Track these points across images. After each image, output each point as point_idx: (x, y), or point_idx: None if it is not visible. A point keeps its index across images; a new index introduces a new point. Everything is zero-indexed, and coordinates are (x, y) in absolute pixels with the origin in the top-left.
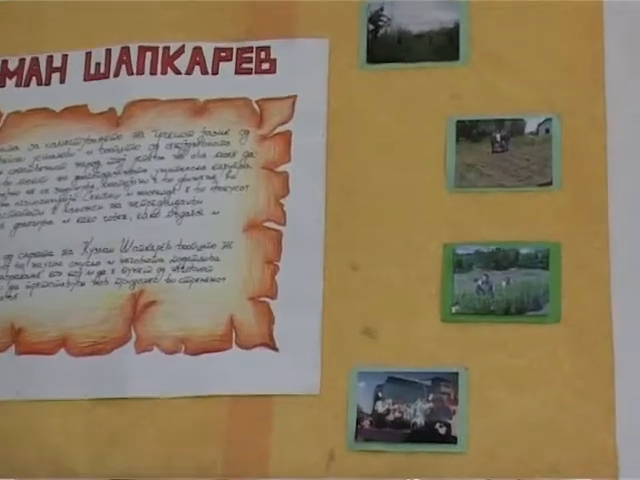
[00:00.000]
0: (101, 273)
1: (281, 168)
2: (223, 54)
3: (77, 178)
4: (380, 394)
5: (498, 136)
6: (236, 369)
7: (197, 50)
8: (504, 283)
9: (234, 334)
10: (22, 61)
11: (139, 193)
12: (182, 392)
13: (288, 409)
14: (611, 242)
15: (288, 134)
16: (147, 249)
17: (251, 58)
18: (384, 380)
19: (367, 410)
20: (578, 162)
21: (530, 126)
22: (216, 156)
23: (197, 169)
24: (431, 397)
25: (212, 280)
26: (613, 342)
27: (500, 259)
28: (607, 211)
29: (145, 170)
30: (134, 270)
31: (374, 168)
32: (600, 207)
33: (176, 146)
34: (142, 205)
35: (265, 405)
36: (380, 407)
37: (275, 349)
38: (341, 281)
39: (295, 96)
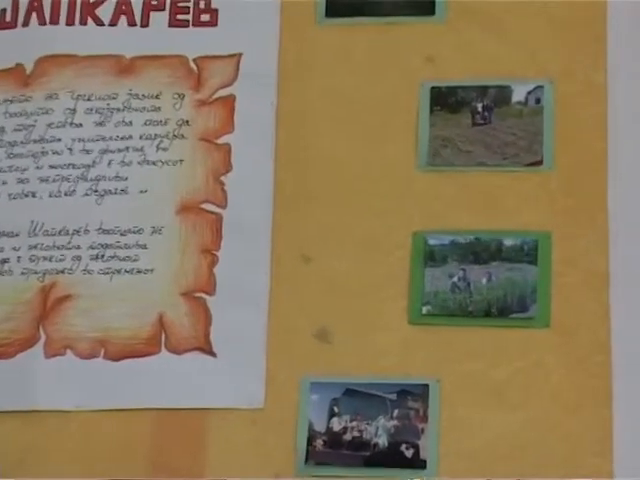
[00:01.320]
0: (4, 261)
1: (222, 140)
2: (154, 2)
3: None
4: (336, 409)
5: (480, 106)
6: (165, 378)
7: None
8: (484, 280)
9: (163, 336)
10: None
11: (51, 167)
12: (100, 404)
13: (226, 426)
14: (610, 233)
15: (231, 99)
16: (60, 233)
17: (188, 8)
18: (340, 392)
19: (320, 428)
20: (574, 138)
21: (518, 94)
22: (145, 124)
23: (122, 139)
24: (396, 413)
25: (138, 272)
26: (611, 351)
27: (480, 251)
28: (606, 197)
29: (59, 139)
30: (44, 258)
31: (333, 142)
32: (598, 192)
33: (97, 111)
34: (55, 181)
35: (199, 421)
36: (336, 425)
37: (212, 354)
38: (291, 275)
39: (240, 54)
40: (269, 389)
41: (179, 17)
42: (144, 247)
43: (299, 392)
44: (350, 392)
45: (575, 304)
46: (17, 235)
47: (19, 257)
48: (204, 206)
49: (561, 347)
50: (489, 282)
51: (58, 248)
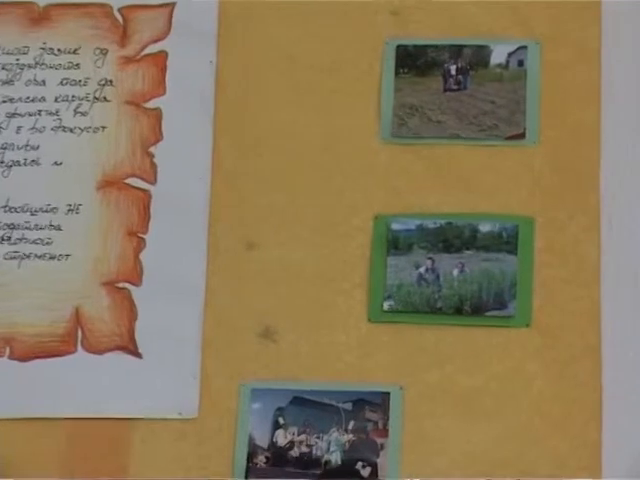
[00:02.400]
0: None
1: (152, 103)
2: None
3: None
4: (281, 420)
5: (453, 68)
6: (82, 382)
7: None
8: (456, 271)
9: (80, 333)
10: None
11: None
12: (5, 412)
13: (153, 438)
14: (603, 219)
15: (162, 56)
16: None
17: None
18: (287, 401)
19: (263, 442)
20: (562, 108)
21: (498, 56)
22: (61, 84)
23: (33, 101)
24: (352, 426)
25: (51, 257)
26: (601, 356)
27: (451, 238)
28: (598, 176)
29: None
30: None
31: (282, 109)
32: (589, 170)
33: (3, 67)
34: None
35: (122, 432)
36: (281, 438)
37: (137, 355)
38: (232, 264)
39: (173, 4)
40: (204, 396)
41: None
42: (58, 228)
43: (238, 400)
44: (298, 400)
45: (561, 301)
46: None
47: None
48: (130, 181)
49: (544, 350)
50: (461, 274)
51: None
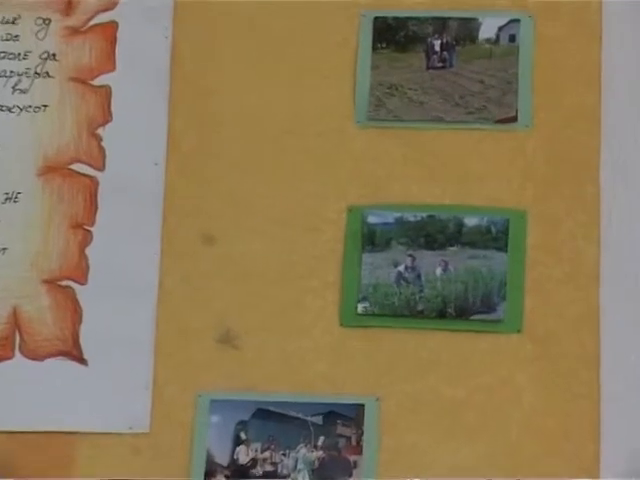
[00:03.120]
0: None
1: (100, 80)
2: None
3: None
4: (243, 435)
5: (437, 44)
6: (20, 391)
7: None
8: (439, 270)
9: (18, 337)
10: None
11: None
12: None
13: (100, 455)
14: (603, 213)
15: (112, 28)
16: None
17: None
18: (250, 413)
19: (222, 459)
20: (558, 88)
21: (487, 30)
22: None
23: None
24: (322, 442)
25: None
26: (600, 365)
27: (434, 233)
28: (598, 165)
29: None
30: None
31: (246, 87)
32: (588, 159)
33: None
34: None
35: (65, 448)
36: (243, 455)
37: (82, 361)
38: (188, 259)
39: None
40: (156, 408)
41: None
42: None
43: (195, 412)
44: (262, 413)
45: (555, 304)
46: None
47: None
48: (75, 167)
49: (536, 359)
50: (445, 273)
51: None
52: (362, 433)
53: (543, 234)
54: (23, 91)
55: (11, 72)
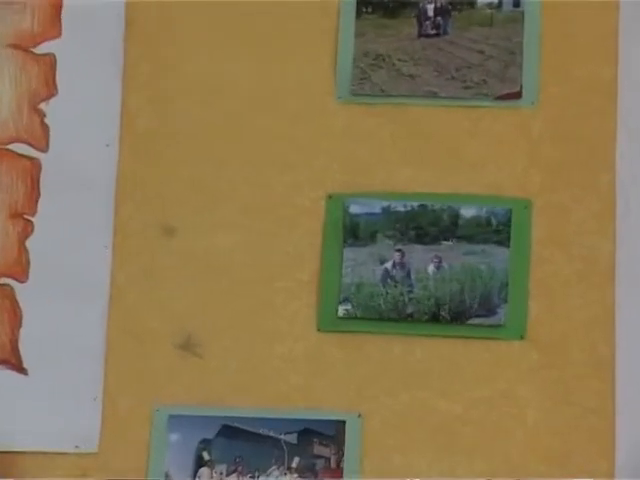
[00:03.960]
0: None
1: (44, 47)
2: None
3: None
4: (207, 455)
5: (430, 8)
6: None
7: None
8: (431, 267)
9: None
10: None
11: None
12: None
13: (40, 477)
14: (619, 202)
15: None
16: None
17: None
18: (214, 430)
19: None
20: (568, 60)
21: None
22: None
23: None
24: (296, 463)
25: None
26: (615, 374)
27: (426, 225)
28: (614, 148)
29: None
30: None
31: (210, 58)
32: (603, 140)
33: None
34: None
35: (2, 469)
36: (206, 478)
37: (21, 370)
38: (145, 254)
39: None
40: (107, 424)
41: None
42: None
43: (152, 428)
44: (228, 430)
45: (564, 306)
46: None
47: None
48: (14, 147)
49: (542, 369)
50: (438, 271)
51: None
52: (342, 454)
53: (550, 227)
54: None
55: None
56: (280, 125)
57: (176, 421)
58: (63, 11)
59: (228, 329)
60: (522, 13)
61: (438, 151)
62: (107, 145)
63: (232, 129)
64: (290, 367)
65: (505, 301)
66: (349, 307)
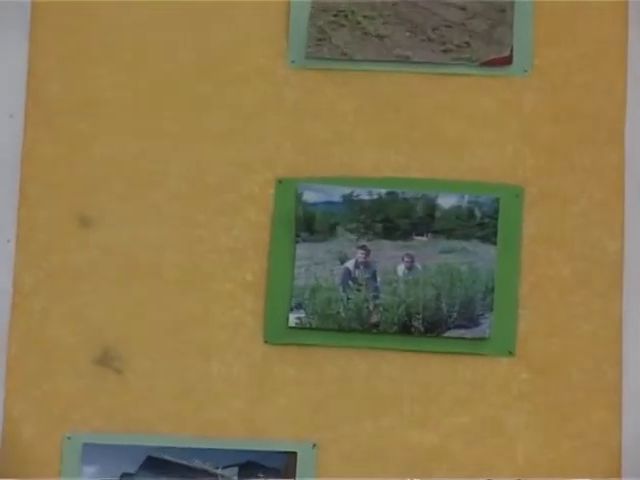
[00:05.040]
0: None
1: None
2: None
3: None
4: None
5: None
6: None
7: None
8: (402, 268)
9: None
10: None
11: None
12: None
13: None
14: (628, 189)
15: None
16: None
17: None
18: (138, 463)
19: None
20: (569, 19)
21: None
22: None
23: None
24: None
25: None
26: (622, 398)
27: (395, 217)
28: (623, 124)
29: None
30: None
31: (133, 16)
32: (609, 115)
33: None
34: None
35: None
36: None
37: None
38: (54, 250)
39: None
40: (8, 453)
41: None
42: None
43: (63, 459)
44: (155, 463)
45: (562, 316)
46: None
47: None
48: None
49: (535, 393)
50: (410, 272)
51: None
52: None
53: (546, 220)
54: None
55: None
56: (220, 94)
57: (92, 451)
58: None
59: (154, 341)
60: None
61: (411, 128)
62: (10, 116)
63: (161, 98)
64: (230, 388)
65: (491, 309)
66: (302, 315)
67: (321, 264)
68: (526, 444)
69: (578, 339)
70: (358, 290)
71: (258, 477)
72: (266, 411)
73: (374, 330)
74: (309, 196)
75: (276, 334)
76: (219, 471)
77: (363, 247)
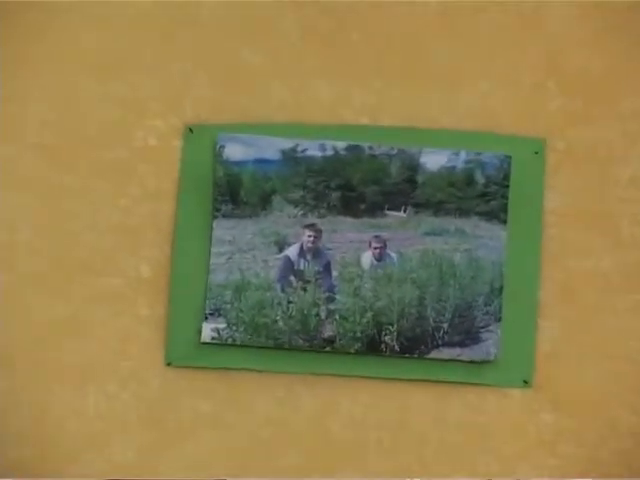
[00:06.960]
0: None
1: None
2: None
3: None
4: None
5: None
6: None
7: None
8: (369, 257)
9: None
10: None
11: None
12: None
13: None
14: None
15: None
16: None
17: None
18: None
19: None
20: None
21: None
22: None
23: None
24: None
25: None
26: None
27: (359, 183)
28: None
29: None
30: None
31: None
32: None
33: None
34: None
35: None
36: None
37: None
38: None
39: None
40: None
41: None
42: None
43: None
44: None
45: (601, 330)
46: None
47: None
48: None
49: (559, 435)
50: (381, 264)
51: None
52: None
53: (579, 189)
54: None
55: None
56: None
57: None
58: None
59: (4, 363)
60: None
61: (383, 54)
62: None
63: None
64: (115, 430)
65: (498, 319)
66: (222, 326)
67: (249, 251)
68: None
69: (625, 362)
70: (304, 289)
71: None
72: (167, 462)
73: (327, 348)
74: (233, 151)
75: (183, 353)
76: None
77: (311, 226)
